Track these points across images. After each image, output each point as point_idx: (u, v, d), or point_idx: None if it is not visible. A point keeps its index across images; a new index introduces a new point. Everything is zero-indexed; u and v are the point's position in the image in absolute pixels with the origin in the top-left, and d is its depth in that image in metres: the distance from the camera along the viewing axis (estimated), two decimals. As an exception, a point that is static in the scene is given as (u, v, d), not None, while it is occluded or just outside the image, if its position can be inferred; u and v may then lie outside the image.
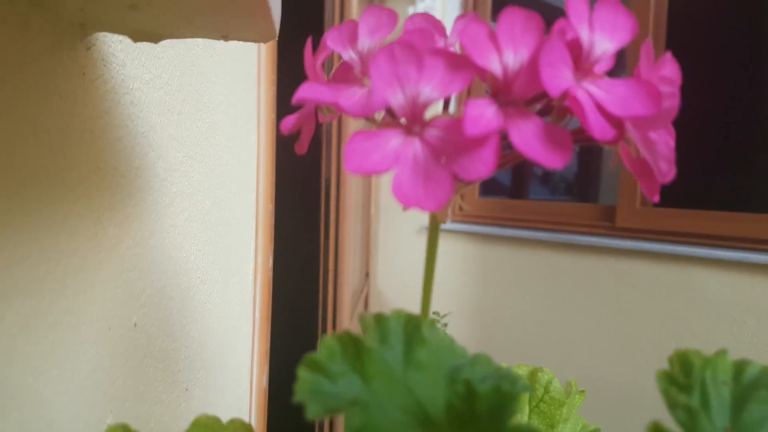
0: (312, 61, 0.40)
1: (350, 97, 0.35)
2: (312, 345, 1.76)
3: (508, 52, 0.33)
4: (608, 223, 2.12)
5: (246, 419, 0.86)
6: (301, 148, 0.42)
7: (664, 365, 0.33)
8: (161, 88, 0.61)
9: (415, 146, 0.33)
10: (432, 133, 0.33)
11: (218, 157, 0.80)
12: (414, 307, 0.36)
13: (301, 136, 0.41)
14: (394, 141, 0.33)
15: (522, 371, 0.59)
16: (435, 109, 0.35)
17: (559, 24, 0.35)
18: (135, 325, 0.56)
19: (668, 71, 0.37)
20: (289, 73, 1.25)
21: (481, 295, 2.24)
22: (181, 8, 0.39)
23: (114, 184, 0.51)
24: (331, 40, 0.38)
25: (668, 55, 0.37)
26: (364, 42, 0.37)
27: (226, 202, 0.83)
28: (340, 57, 0.39)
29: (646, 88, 0.34)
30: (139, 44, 0.56)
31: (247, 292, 0.97)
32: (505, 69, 0.33)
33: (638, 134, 0.35)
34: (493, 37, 0.33)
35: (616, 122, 0.34)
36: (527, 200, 2.59)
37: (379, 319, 0.34)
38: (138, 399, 0.57)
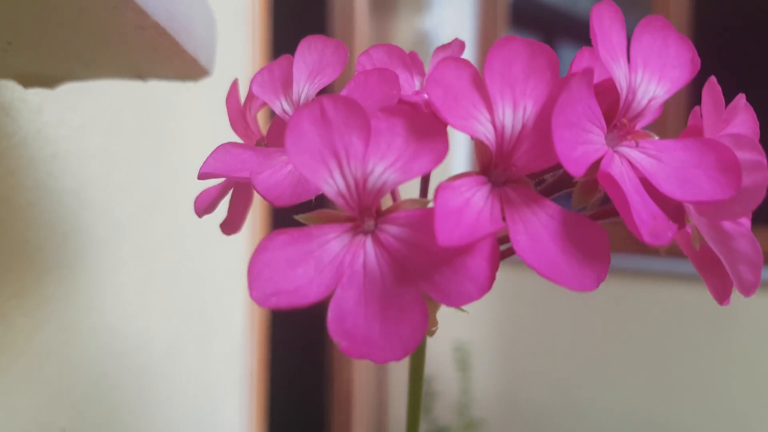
0: (239, 112, 0.29)
1: (273, 175, 0.23)
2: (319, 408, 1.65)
3: (503, 108, 0.21)
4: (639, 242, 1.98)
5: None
6: (232, 228, 0.31)
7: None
8: (102, 133, 0.51)
9: (367, 252, 0.22)
10: (392, 233, 0.21)
11: (188, 201, 0.69)
12: None
13: (229, 211, 0.30)
14: (333, 245, 0.22)
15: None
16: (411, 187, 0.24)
17: (581, 57, 0.24)
18: (63, 431, 0.45)
19: (742, 125, 0.25)
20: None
21: (509, 322, 2.11)
22: (58, 51, 0.28)
23: (24, 261, 0.41)
24: (258, 86, 0.27)
25: (741, 100, 0.25)
26: (301, 88, 0.26)
27: (201, 253, 0.72)
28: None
29: (717, 155, 0.22)
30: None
31: (236, 352, 0.85)
32: (500, 133, 0.21)
33: (705, 223, 0.23)
34: (479, 86, 0.21)
35: (674, 207, 0.23)
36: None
37: None
38: None
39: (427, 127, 0.21)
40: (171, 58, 0.30)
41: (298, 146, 0.20)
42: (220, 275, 0.80)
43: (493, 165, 0.22)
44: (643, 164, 0.22)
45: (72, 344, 0.47)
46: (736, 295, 0.25)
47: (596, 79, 0.23)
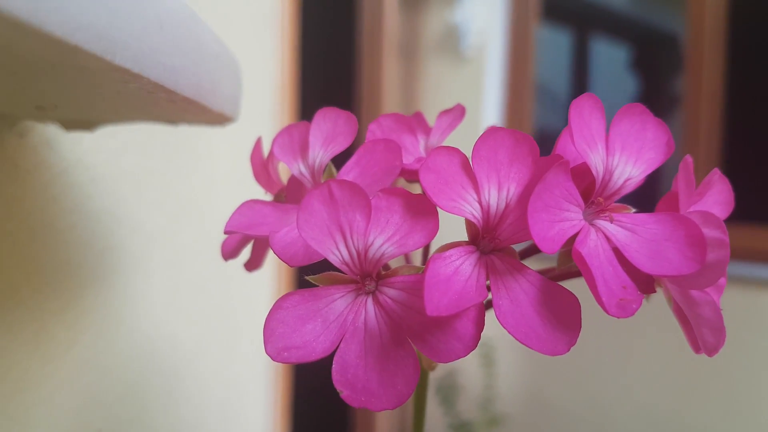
0: (262, 165, 0.32)
1: (288, 233, 0.27)
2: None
3: (489, 189, 0.24)
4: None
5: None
6: (254, 266, 0.34)
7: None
8: (136, 153, 0.54)
9: (367, 311, 0.25)
10: (390, 295, 0.24)
11: (219, 210, 0.73)
12: None
13: (252, 254, 0.34)
14: (338, 304, 0.25)
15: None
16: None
17: (564, 138, 0.26)
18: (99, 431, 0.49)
19: (719, 194, 0.28)
20: (314, 103, 1.18)
21: None
22: (98, 108, 0.31)
23: (65, 280, 0.45)
24: (279, 148, 0.30)
25: (716, 174, 0.28)
26: (316, 154, 0.29)
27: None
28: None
29: (686, 231, 0.25)
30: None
31: (260, 352, 0.90)
32: (485, 211, 0.24)
33: (676, 290, 0.26)
34: (468, 171, 0.24)
35: (645, 275, 0.25)
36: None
37: None
38: None
39: (421, 207, 0.24)
40: (199, 115, 0.33)
41: (309, 223, 0.23)
42: (245, 281, 0.83)
43: (480, 237, 0.25)
44: (617, 237, 0.25)
45: (107, 351, 0.50)
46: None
47: (577, 161, 0.25)
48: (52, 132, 0.42)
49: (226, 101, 0.34)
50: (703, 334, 0.25)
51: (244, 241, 0.32)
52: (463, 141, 0.27)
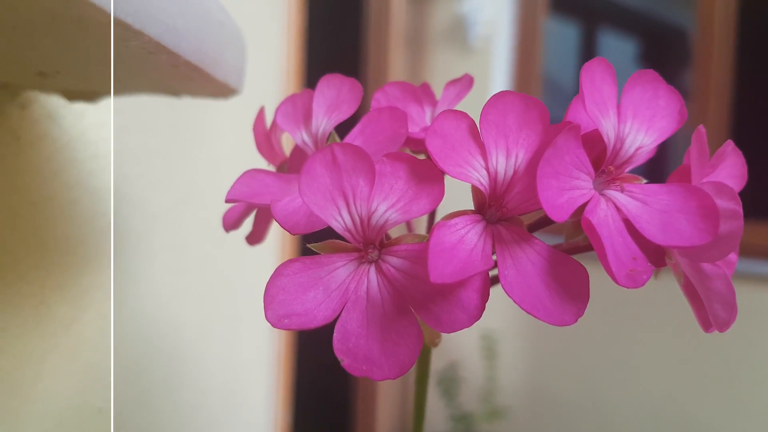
0: (265, 136, 0.32)
1: (291, 202, 0.26)
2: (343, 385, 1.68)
3: (497, 156, 0.24)
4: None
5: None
6: (256, 240, 0.33)
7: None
8: (140, 132, 0.54)
9: (370, 280, 0.24)
10: (394, 263, 0.24)
11: (223, 190, 0.72)
12: None
13: (254, 226, 0.33)
14: (341, 273, 0.24)
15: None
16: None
17: (576, 106, 0.26)
18: (99, 411, 0.49)
19: (732, 167, 0.27)
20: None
21: (542, 324, 2.10)
22: (100, 75, 0.31)
23: (66, 256, 0.44)
24: (282, 116, 0.29)
25: (729, 146, 0.27)
26: (320, 122, 0.29)
27: (230, 242, 0.76)
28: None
29: (699, 201, 0.24)
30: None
31: (263, 336, 0.89)
32: (493, 178, 0.24)
33: (686, 263, 0.25)
34: (476, 136, 0.24)
35: (655, 247, 0.25)
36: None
37: None
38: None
39: (426, 172, 0.23)
40: (203, 85, 0.32)
41: (311, 187, 0.23)
42: (249, 263, 0.83)
43: (487, 205, 0.24)
44: (629, 207, 0.24)
45: (109, 330, 0.50)
46: None
47: (587, 128, 0.25)
48: (54, 104, 0.41)
49: (231, 72, 0.33)
50: (715, 309, 0.25)
51: (247, 211, 0.32)
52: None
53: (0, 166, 0.38)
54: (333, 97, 0.28)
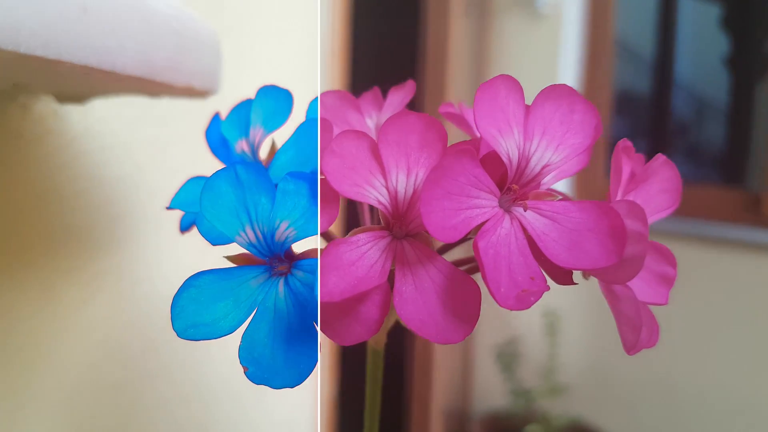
0: (221, 142, 0.33)
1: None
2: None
3: (397, 175, 0.24)
4: (753, 212, 1.84)
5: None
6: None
7: None
8: (154, 123, 0.56)
9: (278, 293, 0.25)
10: (298, 277, 0.25)
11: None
12: None
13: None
14: (251, 284, 0.25)
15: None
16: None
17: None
18: (114, 385, 0.52)
19: (662, 185, 0.26)
20: (367, 64, 1.17)
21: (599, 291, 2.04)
22: (65, 86, 0.33)
23: (75, 241, 0.47)
24: (227, 124, 0.31)
25: (661, 159, 0.26)
26: (257, 131, 0.29)
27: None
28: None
29: (610, 221, 0.24)
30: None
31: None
32: (394, 197, 0.24)
33: (600, 283, 0.25)
34: (376, 155, 0.24)
35: (560, 268, 0.25)
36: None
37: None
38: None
39: (326, 192, 0.24)
40: (161, 91, 0.34)
41: (216, 204, 0.24)
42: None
43: (391, 223, 0.25)
44: (534, 225, 0.24)
45: (124, 311, 0.53)
46: None
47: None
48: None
49: (194, 75, 0.35)
50: (623, 331, 0.24)
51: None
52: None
53: (4, 163, 0.41)
54: (270, 106, 0.29)
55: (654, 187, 0.26)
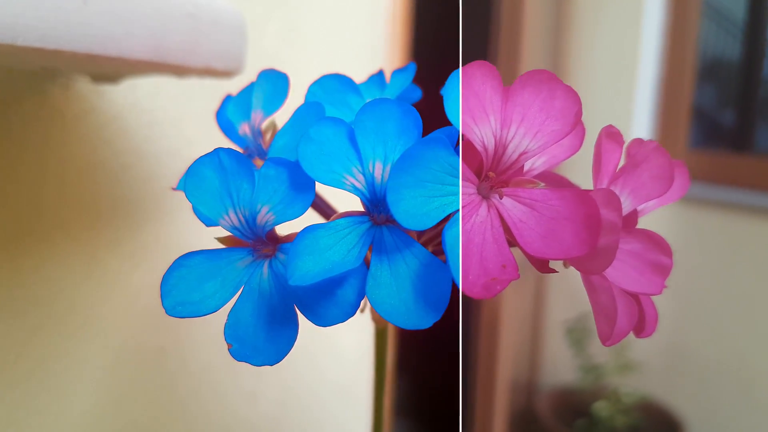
0: (231, 124, 0.34)
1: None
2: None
3: (374, 162, 0.24)
4: None
5: None
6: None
7: None
8: (203, 97, 0.58)
9: (263, 274, 0.26)
10: (280, 259, 0.26)
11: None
12: None
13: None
14: (239, 265, 0.26)
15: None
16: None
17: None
18: (161, 349, 0.55)
19: (653, 171, 0.25)
20: (430, 33, 1.15)
21: (682, 266, 1.91)
22: (96, 67, 0.34)
23: (120, 214, 0.50)
24: (233, 106, 0.31)
25: (652, 145, 0.25)
26: (258, 113, 0.30)
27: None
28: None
29: (587, 210, 0.23)
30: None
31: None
32: (371, 183, 0.24)
33: (580, 273, 0.25)
34: (353, 142, 0.24)
35: (536, 260, 0.24)
36: (753, 154, 1.89)
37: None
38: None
39: (303, 178, 0.24)
40: (181, 72, 0.35)
41: (200, 189, 0.25)
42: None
43: (370, 209, 0.25)
44: (511, 213, 0.24)
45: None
46: None
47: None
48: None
49: (214, 56, 0.36)
50: (599, 321, 0.24)
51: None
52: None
53: (47, 141, 0.43)
54: (270, 90, 0.30)
55: (644, 174, 0.25)
